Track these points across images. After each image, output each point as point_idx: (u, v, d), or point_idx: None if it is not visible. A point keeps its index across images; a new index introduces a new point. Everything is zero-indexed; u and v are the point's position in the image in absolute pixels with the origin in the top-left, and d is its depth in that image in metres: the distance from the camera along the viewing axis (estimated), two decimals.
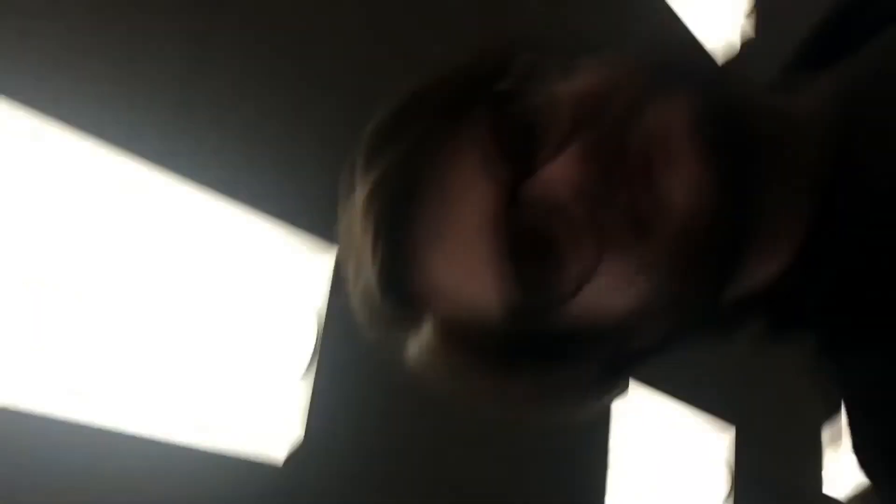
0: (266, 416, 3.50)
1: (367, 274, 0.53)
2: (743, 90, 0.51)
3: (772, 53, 0.50)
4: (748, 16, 3.59)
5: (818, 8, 0.57)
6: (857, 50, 0.55)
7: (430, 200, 0.52)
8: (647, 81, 0.50)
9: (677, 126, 0.47)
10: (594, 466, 4.91)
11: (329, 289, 3.59)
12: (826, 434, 6.79)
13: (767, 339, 0.57)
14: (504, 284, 0.50)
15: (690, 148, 0.47)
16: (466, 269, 0.51)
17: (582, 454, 4.73)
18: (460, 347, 0.54)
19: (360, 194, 0.53)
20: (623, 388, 0.58)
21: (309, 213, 1.51)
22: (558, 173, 0.48)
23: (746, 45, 5.29)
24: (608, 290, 0.49)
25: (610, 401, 0.58)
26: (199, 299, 3.32)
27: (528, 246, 0.50)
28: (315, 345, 3.59)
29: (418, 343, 0.55)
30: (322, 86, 3.23)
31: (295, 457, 3.46)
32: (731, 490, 6.07)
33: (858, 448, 0.52)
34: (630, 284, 0.49)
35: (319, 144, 1.60)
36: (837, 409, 0.53)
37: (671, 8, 3.46)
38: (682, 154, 0.47)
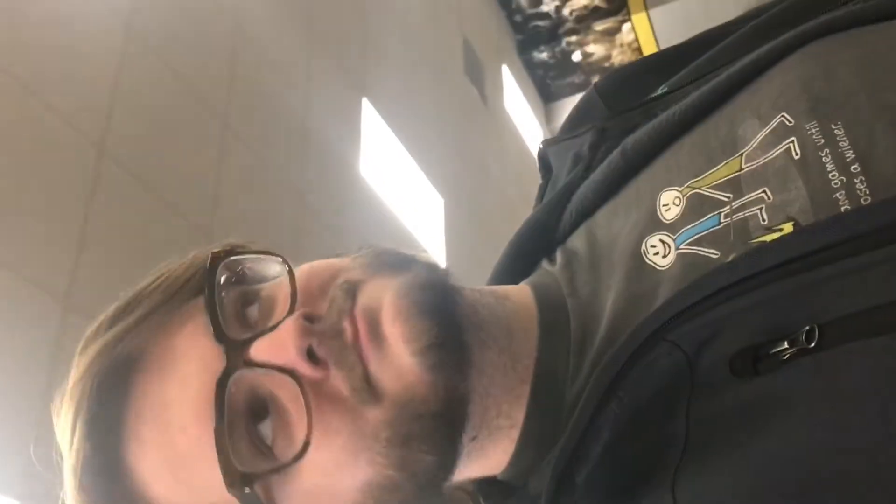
0: None
1: (71, 459, 0.53)
2: (449, 279, 0.54)
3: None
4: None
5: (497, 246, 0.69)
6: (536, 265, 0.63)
7: (150, 366, 0.53)
8: (366, 267, 0.54)
9: (387, 298, 0.50)
10: None
11: None
12: None
13: None
14: (224, 448, 0.48)
15: (396, 318, 0.49)
16: (185, 441, 0.50)
17: None
18: None
19: (74, 375, 0.54)
20: None
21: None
22: (279, 338, 0.49)
23: None
24: (334, 464, 0.49)
25: None
26: None
27: (248, 407, 0.50)
28: None
29: None
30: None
31: None
32: None
33: None
34: (354, 456, 0.49)
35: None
36: None
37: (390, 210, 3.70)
38: (392, 330, 0.49)
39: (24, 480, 1.63)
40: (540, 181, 0.70)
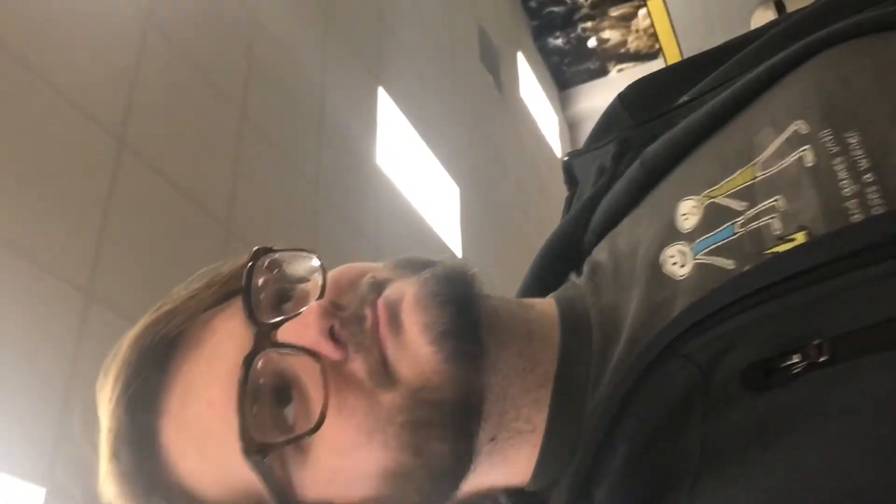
0: None
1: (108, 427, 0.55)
2: (474, 279, 0.55)
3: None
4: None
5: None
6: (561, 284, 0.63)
7: (187, 345, 0.56)
8: (394, 267, 0.55)
9: (410, 290, 0.51)
10: None
11: None
12: None
13: None
14: (243, 415, 0.50)
15: (415, 307, 0.50)
16: (211, 416, 0.52)
17: None
18: None
19: (120, 350, 0.56)
20: None
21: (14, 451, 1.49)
22: (304, 319, 0.51)
23: None
24: (349, 444, 0.50)
25: None
26: None
27: (272, 388, 0.52)
28: None
29: None
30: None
31: None
32: None
33: None
34: (368, 437, 0.50)
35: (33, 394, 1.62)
36: None
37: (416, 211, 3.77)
38: (410, 318, 0.50)
39: (48, 469, 1.67)
40: (566, 191, 0.70)
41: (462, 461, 0.52)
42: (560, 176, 0.72)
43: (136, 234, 2.12)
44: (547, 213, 5.36)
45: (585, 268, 0.61)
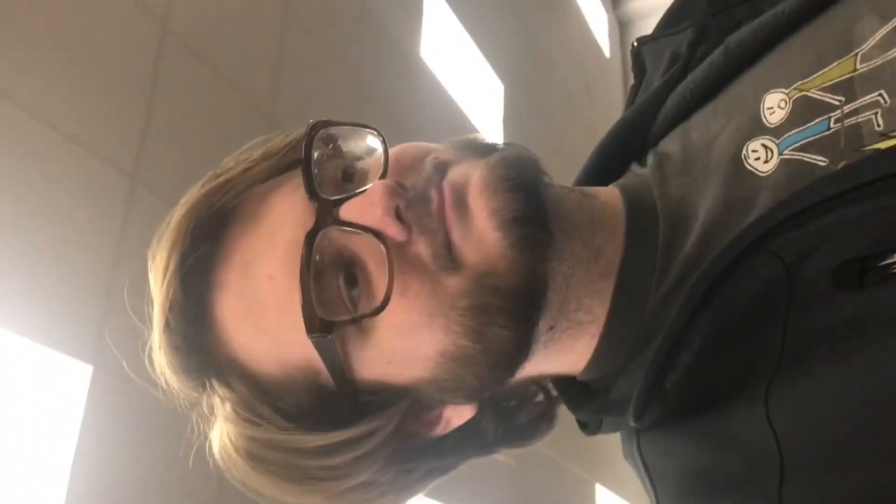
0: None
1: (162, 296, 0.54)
2: (540, 164, 0.54)
3: None
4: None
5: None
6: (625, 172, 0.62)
7: (244, 218, 0.55)
8: (458, 150, 0.54)
9: (476, 174, 0.50)
10: None
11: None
12: None
13: (587, 429, 0.59)
14: (308, 294, 0.49)
15: (483, 191, 0.49)
16: (270, 290, 0.52)
17: None
18: (262, 404, 0.54)
19: (173, 219, 0.55)
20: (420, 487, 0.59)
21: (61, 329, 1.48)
22: (369, 198, 0.50)
23: None
24: (411, 326, 0.50)
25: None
26: None
27: (334, 265, 0.51)
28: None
29: (221, 411, 0.56)
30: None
31: None
32: None
33: None
34: (430, 320, 0.50)
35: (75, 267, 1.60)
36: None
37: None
38: (478, 202, 0.49)
39: (95, 346, 1.73)
40: (618, 92, 0.69)
41: (521, 348, 0.52)
42: (609, 79, 0.70)
43: (179, 120, 2.13)
44: (592, 117, 5.27)
45: (651, 158, 0.59)
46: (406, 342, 0.51)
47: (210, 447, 0.58)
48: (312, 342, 0.50)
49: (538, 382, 0.60)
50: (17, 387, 1.59)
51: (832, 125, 0.47)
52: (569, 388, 0.58)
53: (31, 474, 1.58)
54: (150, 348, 0.57)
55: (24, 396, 1.60)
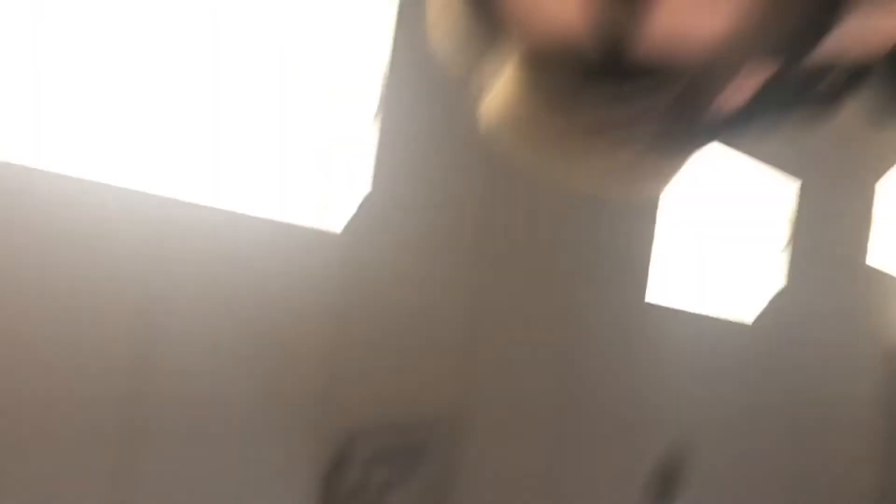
0: (326, 182, 3.47)
1: None
2: None
3: None
4: None
5: None
6: None
7: None
8: None
9: None
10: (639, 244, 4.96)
11: (394, 38, 3.46)
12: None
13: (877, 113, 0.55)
14: None
15: None
16: None
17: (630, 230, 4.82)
18: (543, 69, 0.49)
19: None
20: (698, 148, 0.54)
21: None
22: None
23: None
24: (695, 5, 0.45)
25: (685, 159, 0.55)
26: (253, 51, 3.21)
27: None
28: (381, 97, 3.50)
29: (499, 72, 0.51)
30: None
31: (354, 224, 3.47)
32: (788, 243, 6.12)
33: None
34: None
35: None
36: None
37: None
38: None
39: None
40: None
41: (815, 41, 0.46)
42: None
43: None
44: None
45: None
46: (689, 23, 0.46)
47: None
48: None
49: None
50: None
51: None
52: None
53: None
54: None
55: None
